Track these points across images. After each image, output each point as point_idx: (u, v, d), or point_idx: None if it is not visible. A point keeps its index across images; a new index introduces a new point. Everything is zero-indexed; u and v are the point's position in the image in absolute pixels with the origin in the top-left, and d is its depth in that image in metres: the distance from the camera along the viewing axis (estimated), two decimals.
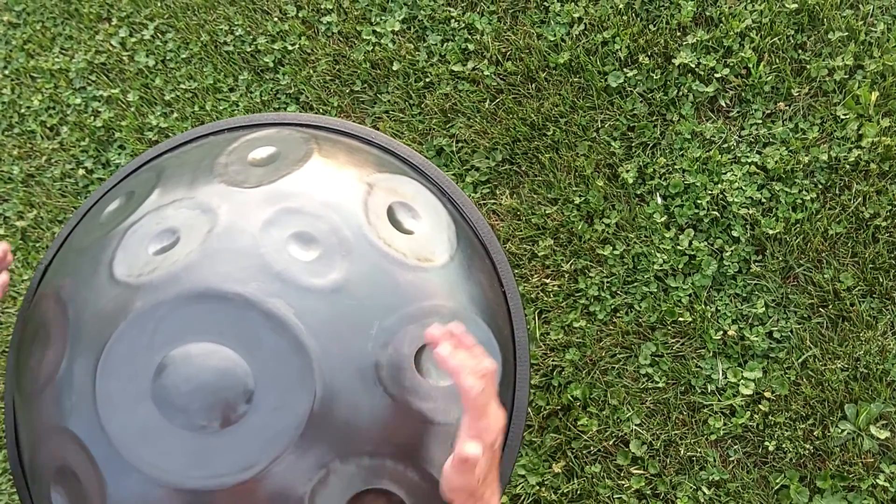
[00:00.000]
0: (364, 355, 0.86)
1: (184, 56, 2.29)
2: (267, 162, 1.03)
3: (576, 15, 2.07)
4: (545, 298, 1.90)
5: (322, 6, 2.23)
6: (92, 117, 2.31)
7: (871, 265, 1.78)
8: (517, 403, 1.01)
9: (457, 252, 1.02)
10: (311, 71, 2.19)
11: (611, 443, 1.78)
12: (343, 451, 0.85)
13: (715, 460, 1.73)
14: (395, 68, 2.14)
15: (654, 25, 2.02)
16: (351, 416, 0.84)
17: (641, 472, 1.75)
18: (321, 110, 2.15)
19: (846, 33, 1.92)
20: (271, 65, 2.21)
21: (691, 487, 1.72)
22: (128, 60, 2.33)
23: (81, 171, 2.27)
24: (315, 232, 0.92)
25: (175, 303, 0.84)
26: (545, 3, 2.11)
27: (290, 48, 2.21)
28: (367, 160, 1.09)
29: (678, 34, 2.01)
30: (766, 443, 1.71)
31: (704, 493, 1.71)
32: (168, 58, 2.31)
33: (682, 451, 1.74)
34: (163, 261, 0.90)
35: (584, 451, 1.78)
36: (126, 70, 2.32)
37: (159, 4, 2.35)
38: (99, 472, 0.87)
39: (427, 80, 2.12)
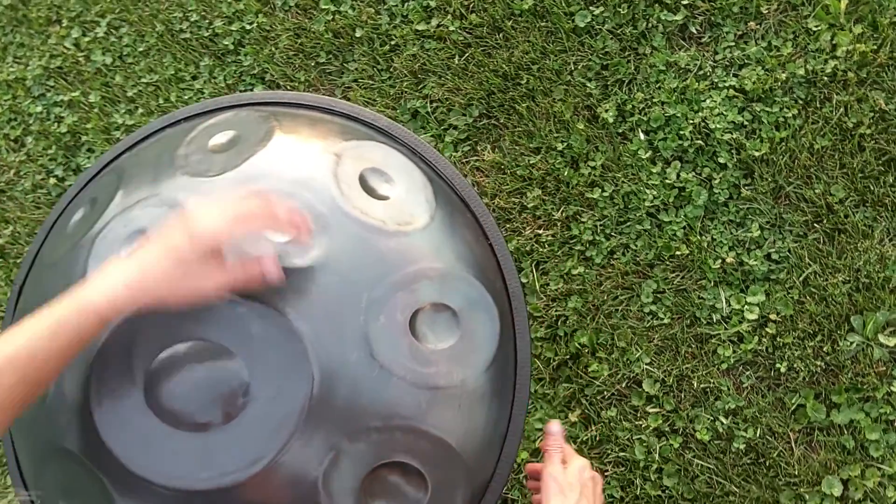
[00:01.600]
0: (357, 330, 0.83)
1: (141, 49, 2.23)
2: (228, 147, 0.99)
3: None
4: (540, 249, 1.88)
5: None
6: (55, 124, 2.26)
7: (860, 174, 1.75)
8: (520, 355, 0.99)
9: (437, 211, 0.99)
10: (273, 48, 2.14)
11: (623, 385, 1.77)
12: (350, 430, 0.83)
13: (729, 389, 1.72)
14: (358, 35, 2.09)
15: None
16: (353, 394, 0.82)
17: (657, 410, 1.74)
18: (288, 87, 2.11)
19: None
20: (231, 47, 2.16)
21: (708, 419, 1.71)
22: (84, 61, 2.28)
23: (53, 180, 2.22)
24: None
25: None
26: None
27: (248, 28, 2.16)
28: (330, 130, 1.05)
29: None
30: (778, 365, 1.70)
31: (722, 423, 1.70)
32: (125, 53, 2.25)
33: (695, 384, 1.73)
34: None
35: (599, 397, 1.77)
36: (84, 71, 2.27)
37: (109, 0, 2.29)
38: (105, 488, 0.85)
39: (392, 43, 2.07)
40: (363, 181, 0.97)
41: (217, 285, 0.74)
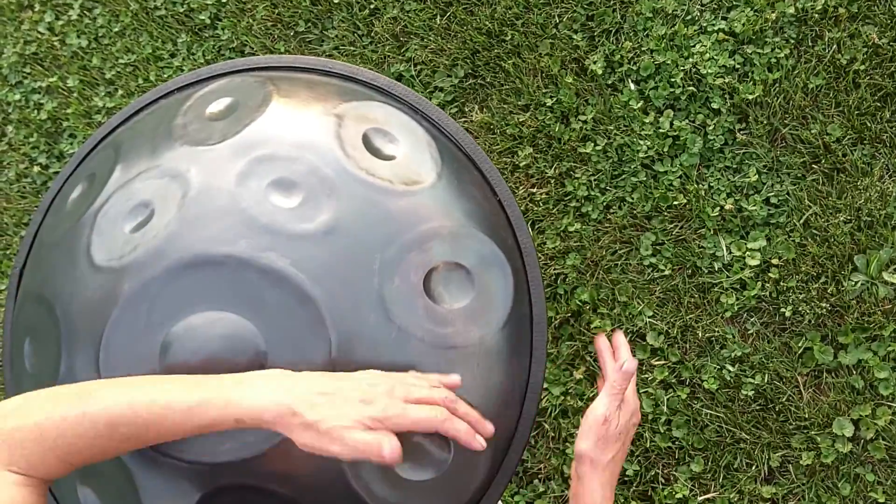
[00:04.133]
0: (372, 292, 0.81)
1: (116, 30, 2.18)
2: (226, 114, 0.96)
3: None
4: (535, 208, 1.86)
5: None
6: (35, 111, 2.20)
7: (856, 111, 1.74)
8: (535, 311, 0.97)
9: (443, 169, 0.97)
10: (251, 20, 2.09)
11: (628, 339, 1.76)
12: None
13: (734, 336, 1.71)
14: (336, 1, 2.04)
15: None
16: (372, 357, 0.80)
17: (663, 362, 1.74)
18: None
19: None
20: (208, 21, 2.11)
21: (715, 368, 1.71)
22: (59, 45, 2.22)
23: (37, 168, 2.18)
24: (294, 176, 0.86)
25: (165, 277, 0.79)
26: None
27: (224, 1, 2.11)
28: (329, 92, 1.02)
29: None
30: (782, 309, 1.70)
31: (729, 371, 1.69)
32: (101, 35, 2.19)
33: (699, 334, 1.73)
34: (142, 237, 0.84)
35: None
36: (60, 56, 2.21)
37: None
38: (124, 465, 0.83)
39: (372, 6, 2.03)
40: (367, 142, 0.94)
41: (343, 452, 0.70)
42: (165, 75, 2.11)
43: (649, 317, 1.76)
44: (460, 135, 1.05)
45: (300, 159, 0.88)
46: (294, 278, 0.78)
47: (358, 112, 0.98)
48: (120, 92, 2.14)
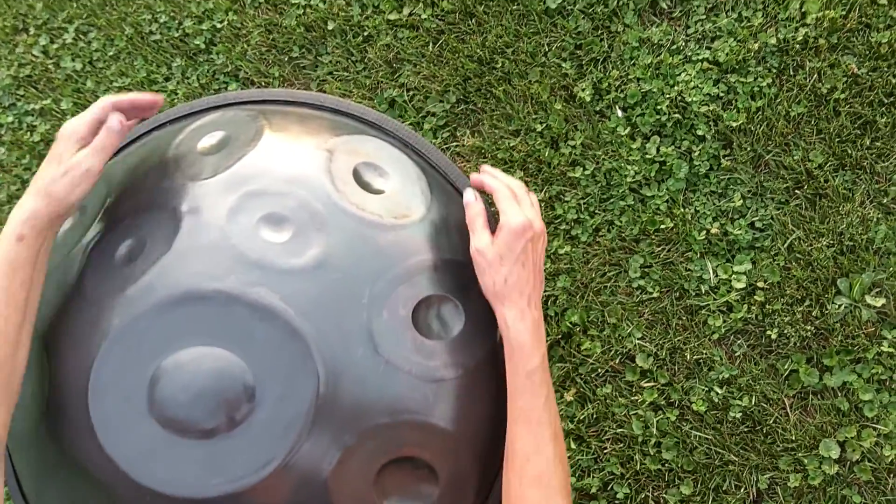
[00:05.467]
0: (361, 326, 0.83)
1: (111, 53, 2.20)
2: (218, 148, 0.98)
3: None
4: None
5: None
6: (28, 133, 2.22)
7: (837, 139, 1.77)
8: None
9: (433, 202, 0.99)
10: (245, 45, 2.12)
11: (617, 361, 1.78)
12: (358, 428, 0.83)
13: (722, 358, 1.74)
14: (330, 28, 2.07)
15: None
16: (359, 391, 0.82)
17: (652, 384, 1.76)
18: (262, 83, 2.09)
19: None
20: (203, 46, 2.14)
21: (703, 389, 1.73)
22: (54, 68, 2.24)
23: None
24: (284, 210, 0.88)
25: (155, 312, 0.81)
26: None
27: (219, 26, 2.13)
28: (321, 126, 1.05)
29: None
30: (768, 332, 1.72)
31: (717, 393, 1.72)
32: (95, 58, 2.22)
33: (688, 356, 1.75)
34: (132, 271, 0.86)
35: (593, 375, 1.79)
36: (54, 78, 2.23)
37: (76, 5, 2.26)
38: (112, 501, 0.84)
39: (365, 34, 2.06)
40: (357, 176, 0.96)
41: (85, 155, 0.88)
42: None
43: (638, 339, 1.78)
44: (449, 167, 1.08)
45: (291, 194, 0.90)
46: (283, 313, 0.80)
47: (348, 146, 1.00)
48: None
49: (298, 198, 0.90)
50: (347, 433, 0.82)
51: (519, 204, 0.94)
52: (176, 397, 0.80)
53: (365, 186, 0.96)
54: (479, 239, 0.92)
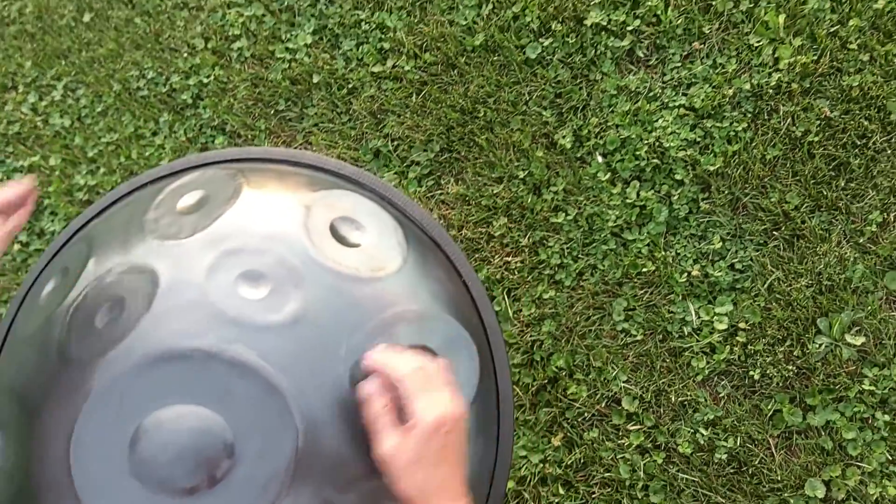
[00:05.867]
0: (338, 380, 0.85)
1: (99, 110, 2.24)
2: (197, 207, 1.00)
3: None
4: (510, 276, 1.91)
5: (230, 33, 2.20)
6: None
7: (812, 181, 1.81)
8: (501, 387, 1.01)
9: (409, 254, 1.01)
10: (232, 99, 2.16)
11: (603, 405, 1.79)
12: (339, 482, 0.84)
13: (706, 400, 1.75)
14: (315, 80, 2.12)
15: None
16: (339, 445, 0.83)
17: (638, 427, 1.77)
18: (249, 136, 2.13)
19: None
20: (190, 101, 2.18)
21: (689, 431, 1.74)
22: (42, 125, 2.28)
23: (17, 246, 2.21)
24: (262, 267, 0.90)
25: (134, 373, 0.82)
26: None
27: (205, 81, 2.18)
28: (298, 182, 1.07)
29: None
30: (751, 372, 1.74)
31: (703, 435, 1.73)
32: (84, 114, 2.25)
33: (673, 398, 1.76)
34: (112, 333, 0.87)
35: (580, 419, 1.79)
36: (42, 135, 2.27)
37: (64, 63, 2.30)
38: None
39: (350, 86, 2.10)
40: (334, 230, 0.99)
41: None
42: (147, 153, 2.16)
43: (624, 381, 1.80)
44: (425, 219, 1.10)
45: (268, 251, 0.92)
46: (261, 370, 0.81)
47: (326, 201, 1.03)
48: (102, 170, 2.19)
49: (276, 254, 0.92)
50: (328, 487, 0.83)
51: (429, 388, 0.81)
52: (157, 457, 0.80)
53: (342, 241, 0.98)
54: (387, 441, 0.79)
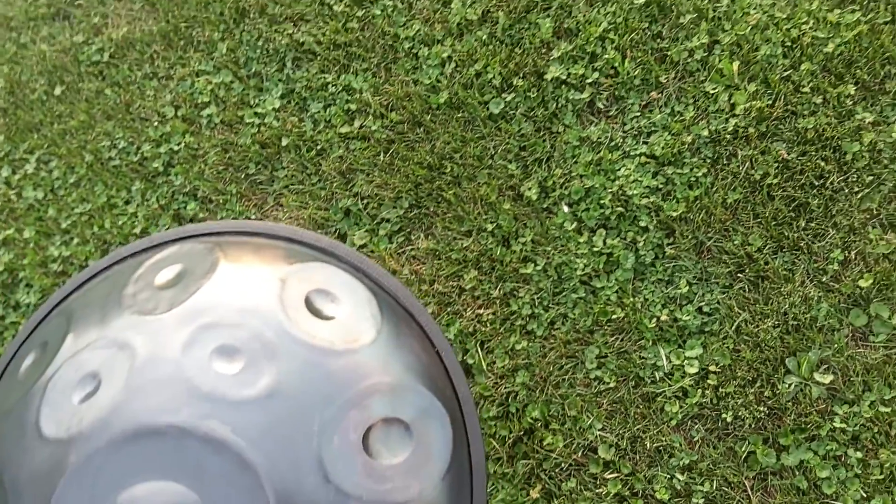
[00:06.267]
0: (311, 454, 0.86)
1: (72, 181, 2.26)
2: (175, 282, 1.03)
3: (444, 55, 2.12)
4: (483, 329, 1.93)
5: (199, 101, 2.24)
6: None
7: (773, 222, 1.86)
8: (474, 459, 1.03)
9: (383, 325, 1.04)
10: (203, 165, 2.19)
11: (580, 454, 1.81)
12: None
13: (681, 444, 1.77)
14: (284, 144, 2.15)
15: (520, 48, 2.09)
16: None
17: (615, 475, 1.79)
18: (220, 201, 2.15)
19: (695, 14, 2.02)
20: (161, 169, 2.20)
21: (665, 477, 1.76)
22: (16, 198, 2.29)
23: None
24: (236, 342, 0.93)
25: (110, 449, 0.84)
26: (413, 51, 2.16)
27: (176, 148, 2.21)
28: (274, 255, 1.10)
29: (543, 51, 2.08)
30: (724, 415, 1.77)
31: (679, 480, 1.75)
32: (56, 186, 2.27)
33: (648, 445, 1.78)
34: (89, 408, 0.89)
35: (557, 470, 1.81)
36: (16, 208, 2.28)
37: (36, 136, 2.32)
38: None
39: (318, 147, 2.14)
40: (309, 303, 1.01)
41: None
42: (120, 222, 2.18)
43: (599, 430, 1.82)
44: (399, 290, 1.13)
45: (243, 325, 0.94)
46: (234, 445, 0.83)
47: (301, 274, 1.05)
48: (76, 241, 2.20)
49: (251, 328, 0.94)
50: None
51: None
52: None
53: (316, 313, 1.00)
54: None
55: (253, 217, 2.13)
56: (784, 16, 1.98)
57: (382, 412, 0.93)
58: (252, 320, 0.95)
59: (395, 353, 1.01)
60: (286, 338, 0.94)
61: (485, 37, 2.12)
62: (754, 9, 2.00)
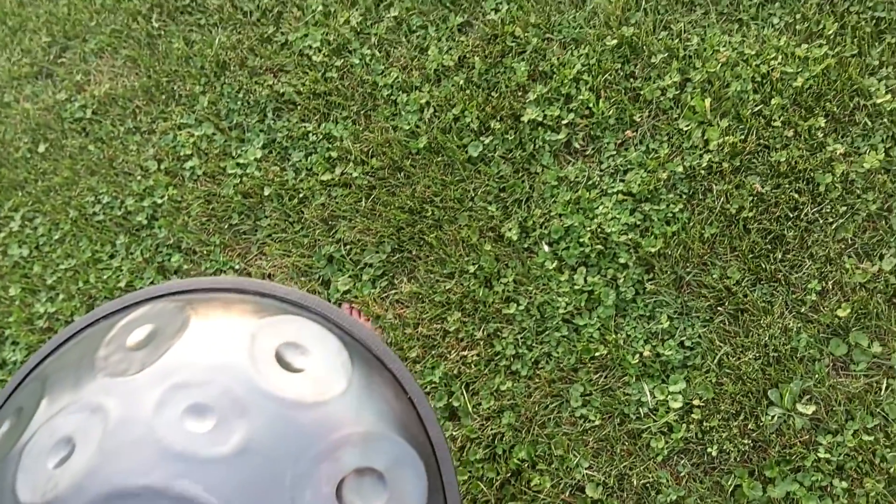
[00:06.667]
0: None
1: (56, 237, 2.28)
2: (146, 342, 1.03)
3: (423, 101, 2.16)
4: (467, 371, 1.94)
5: (182, 153, 2.27)
6: None
7: (750, 255, 1.88)
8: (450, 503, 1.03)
9: (354, 375, 1.04)
10: (186, 217, 2.21)
11: (567, 494, 1.81)
12: None
13: (668, 480, 1.77)
14: (266, 193, 2.18)
15: (496, 92, 2.13)
16: None
17: None
18: (204, 252, 2.17)
19: (666, 54, 2.06)
20: (145, 222, 2.23)
21: None
22: (1, 257, 2.31)
23: None
24: (207, 400, 0.93)
25: None
26: (392, 98, 2.19)
27: (159, 201, 2.23)
28: (245, 310, 1.11)
29: (519, 94, 2.12)
30: (709, 449, 1.77)
31: None
32: (41, 243, 2.29)
33: (635, 482, 1.79)
34: (63, 473, 0.89)
35: None
36: (1, 266, 2.30)
37: (21, 194, 2.35)
38: None
39: (300, 195, 2.17)
40: (279, 357, 1.02)
41: None
42: (105, 276, 2.20)
43: (586, 468, 1.82)
44: (370, 338, 1.14)
45: (213, 382, 0.95)
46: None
47: (271, 328, 1.06)
48: (61, 296, 2.22)
49: (221, 385, 0.95)
50: None
51: None
52: None
53: (286, 366, 1.01)
54: None
55: (237, 267, 2.15)
56: (753, 52, 2.02)
57: (355, 463, 0.93)
58: (222, 377, 0.96)
59: (366, 402, 1.02)
60: (256, 393, 0.95)
61: (462, 82, 2.16)
62: (724, 46, 2.04)
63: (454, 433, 1.90)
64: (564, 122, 2.06)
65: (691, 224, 1.93)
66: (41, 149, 2.39)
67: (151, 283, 2.16)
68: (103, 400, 0.98)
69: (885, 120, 1.90)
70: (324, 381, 1.03)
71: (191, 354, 1.02)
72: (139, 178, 2.27)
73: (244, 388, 0.97)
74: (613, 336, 1.88)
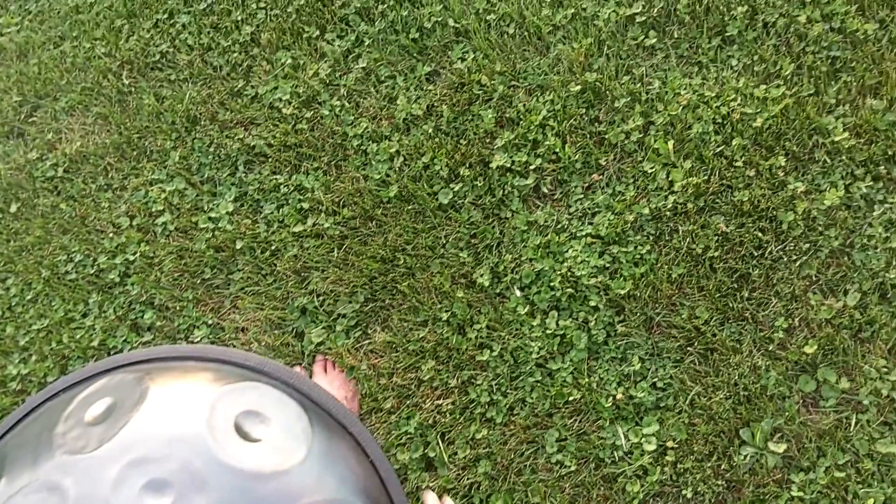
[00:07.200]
0: None
1: (29, 297, 2.28)
2: (105, 416, 1.03)
3: (392, 150, 2.18)
4: (443, 420, 1.94)
5: (153, 209, 2.28)
6: None
7: (717, 294, 1.90)
8: None
9: (314, 441, 1.04)
10: (159, 273, 2.21)
11: None
12: None
13: None
14: (238, 246, 2.19)
15: (464, 139, 2.16)
16: None
17: None
18: (177, 308, 2.17)
19: (629, 98, 2.09)
20: (117, 279, 2.23)
21: None
22: None
23: None
24: (165, 475, 0.93)
25: None
26: (362, 147, 2.22)
27: (131, 258, 2.24)
28: (204, 379, 1.11)
29: (487, 141, 2.15)
30: (684, 491, 1.78)
31: None
32: (13, 304, 2.29)
33: None
34: None
35: None
36: None
37: None
38: None
39: (273, 248, 2.18)
40: (238, 427, 1.02)
41: None
42: (78, 335, 2.19)
43: None
44: (330, 402, 1.15)
45: (172, 456, 0.95)
46: None
47: (229, 397, 1.07)
48: (34, 357, 2.21)
49: (179, 459, 0.95)
50: None
51: None
52: None
53: (245, 436, 1.01)
54: None
55: (209, 322, 2.15)
56: (713, 94, 2.06)
57: None
58: (181, 450, 0.96)
59: (327, 467, 1.02)
60: (215, 465, 0.95)
61: (430, 130, 2.18)
62: (684, 89, 2.08)
63: (431, 484, 1.89)
64: (532, 167, 2.09)
65: (659, 265, 1.95)
66: (13, 209, 2.40)
67: (125, 340, 2.15)
68: (61, 479, 0.98)
69: (844, 157, 1.93)
70: (284, 449, 1.03)
71: (149, 427, 1.02)
72: (111, 235, 2.28)
73: (203, 460, 0.97)
74: (587, 379, 1.89)
